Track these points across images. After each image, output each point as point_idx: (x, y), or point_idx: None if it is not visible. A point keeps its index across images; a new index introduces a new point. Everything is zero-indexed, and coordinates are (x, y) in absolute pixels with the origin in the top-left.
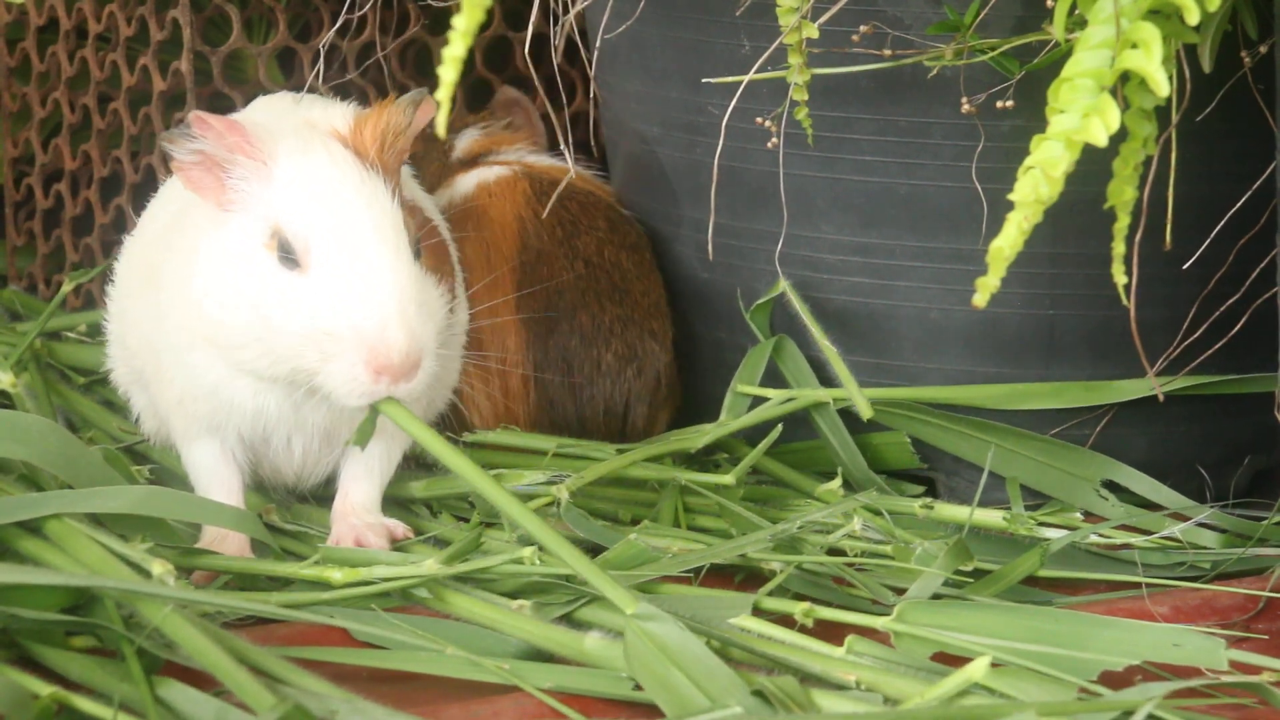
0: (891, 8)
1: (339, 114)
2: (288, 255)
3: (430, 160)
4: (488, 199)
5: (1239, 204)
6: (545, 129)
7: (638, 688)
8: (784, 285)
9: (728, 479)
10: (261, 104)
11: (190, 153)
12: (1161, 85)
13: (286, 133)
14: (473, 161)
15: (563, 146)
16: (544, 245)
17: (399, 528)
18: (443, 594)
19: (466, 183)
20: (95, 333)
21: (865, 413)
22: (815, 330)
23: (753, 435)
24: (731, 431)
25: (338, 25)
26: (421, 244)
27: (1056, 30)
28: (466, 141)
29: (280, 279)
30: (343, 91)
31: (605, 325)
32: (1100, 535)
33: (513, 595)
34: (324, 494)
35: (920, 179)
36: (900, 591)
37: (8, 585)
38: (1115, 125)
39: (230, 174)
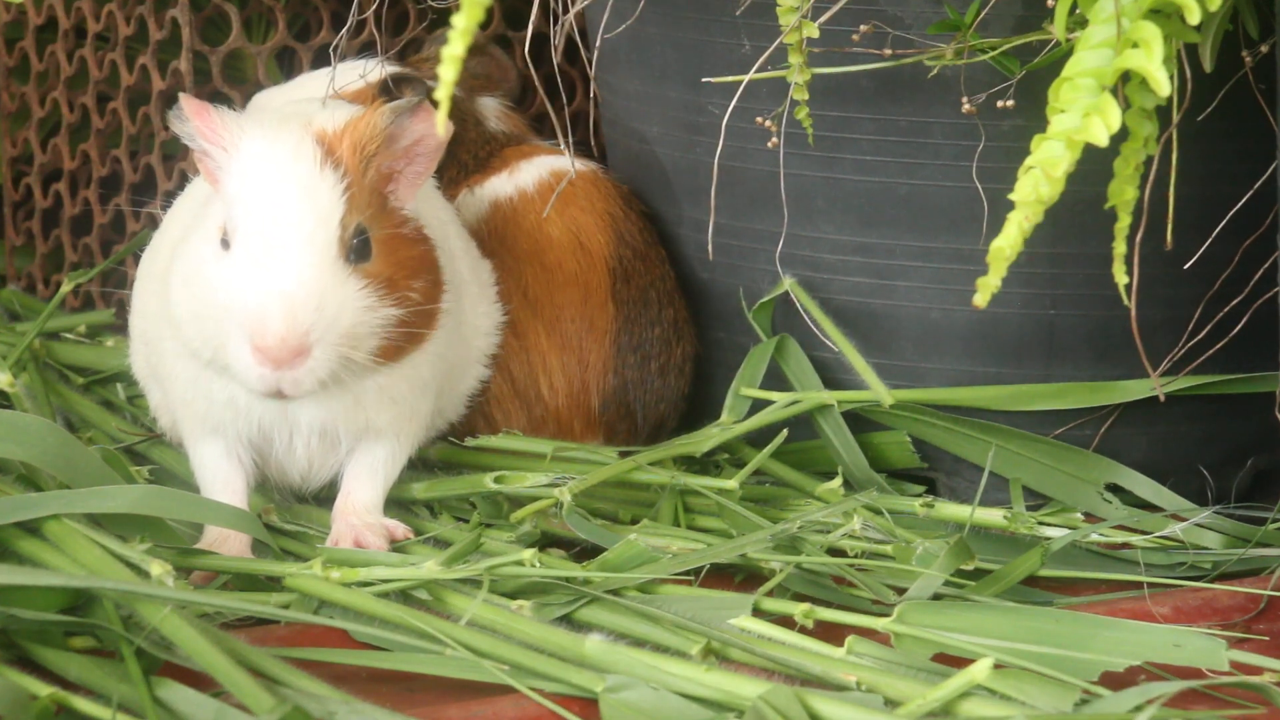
0: (892, 7)
1: (340, 115)
2: (224, 237)
3: (466, 129)
4: (570, 187)
5: (1240, 204)
6: (519, 87)
7: None
8: (788, 284)
9: (731, 484)
10: (293, 89)
11: (188, 137)
12: (1162, 85)
13: (257, 123)
14: (518, 141)
15: (563, 146)
16: (638, 244)
17: (399, 528)
18: (442, 595)
19: (534, 169)
20: (95, 333)
21: (886, 400)
22: (826, 325)
23: (754, 434)
24: (736, 435)
25: (347, 26)
26: (391, 251)
27: (1057, 30)
28: (495, 110)
29: (212, 259)
30: None
31: (685, 320)
32: (1101, 535)
33: (513, 596)
34: (328, 495)
35: (920, 179)
36: (901, 591)
37: (7, 586)
38: (1116, 125)
39: (211, 159)
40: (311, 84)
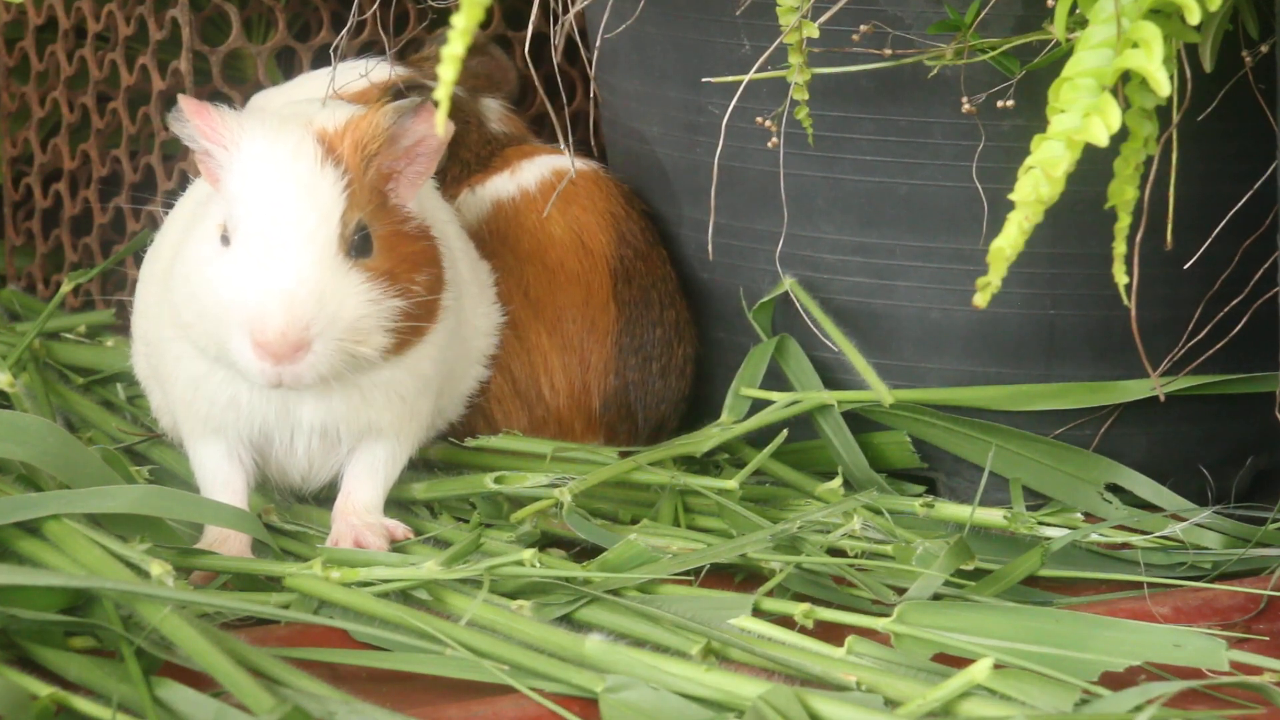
0: (892, 7)
1: (340, 115)
2: (224, 234)
3: (469, 130)
4: (572, 187)
5: (1240, 204)
6: (520, 87)
7: None
8: (788, 284)
9: (731, 484)
10: (295, 89)
11: (189, 137)
12: (1162, 85)
13: (258, 122)
14: (519, 141)
15: (563, 146)
16: (639, 244)
17: (399, 528)
18: (442, 595)
19: (536, 168)
20: (95, 333)
21: (886, 400)
22: (827, 325)
23: (754, 434)
24: (736, 435)
25: (347, 26)
26: (392, 247)
27: (1057, 30)
28: (497, 112)
29: (213, 257)
30: None
31: (686, 321)
32: (1101, 535)
33: (513, 596)
34: (328, 495)
35: (920, 179)
36: (901, 591)
37: (7, 586)
38: (1116, 125)
39: (212, 159)
40: (311, 84)
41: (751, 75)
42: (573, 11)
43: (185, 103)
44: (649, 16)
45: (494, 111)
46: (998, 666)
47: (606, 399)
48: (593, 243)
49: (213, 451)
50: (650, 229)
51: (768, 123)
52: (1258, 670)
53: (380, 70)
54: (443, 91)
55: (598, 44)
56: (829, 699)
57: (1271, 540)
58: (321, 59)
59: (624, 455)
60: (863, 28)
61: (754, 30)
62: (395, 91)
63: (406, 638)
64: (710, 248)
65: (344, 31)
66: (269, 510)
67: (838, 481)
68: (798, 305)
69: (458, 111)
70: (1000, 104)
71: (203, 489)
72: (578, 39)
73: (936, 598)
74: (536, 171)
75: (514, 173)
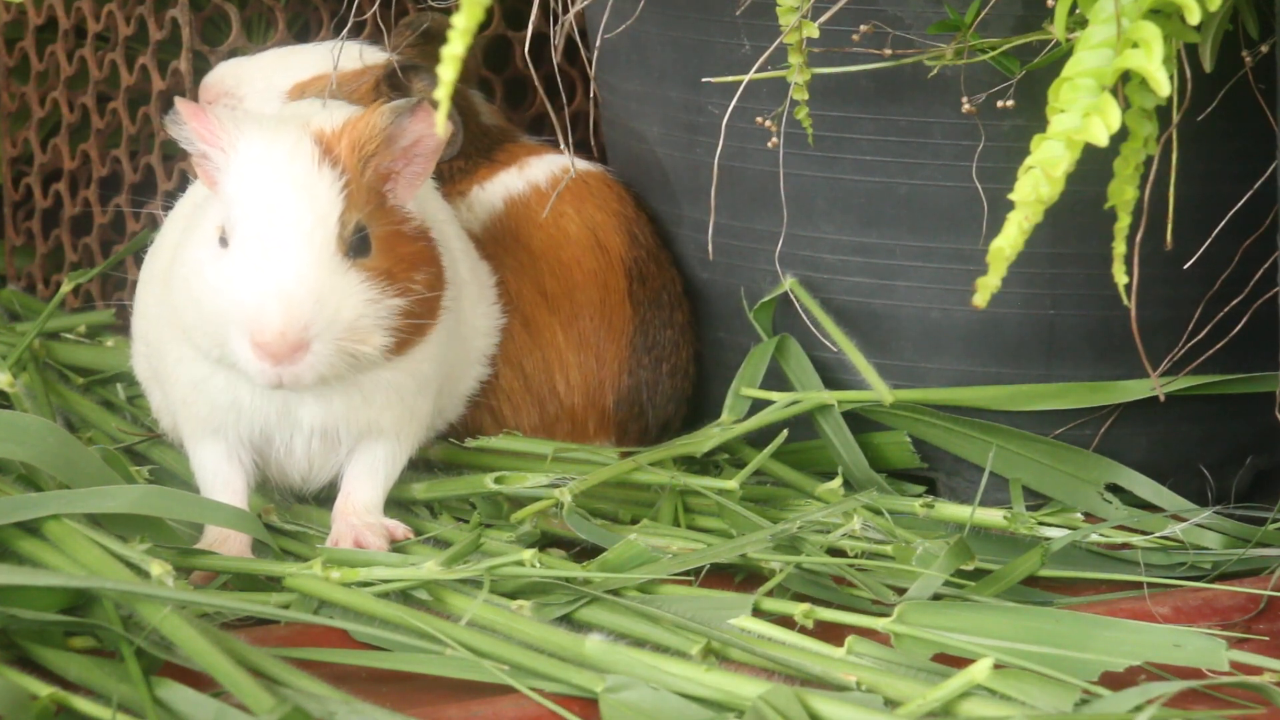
0: (892, 7)
1: (337, 116)
2: (222, 236)
3: (469, 122)
4: (585, 186)
5: (1240, 204)
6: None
7: None
8: (789, 284)
9: (731, 484)
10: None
11: (186, 140)
12: (1162, 85)
13: (255, 124)
14: (508, 135)
15: (563, 146)
16: (651, 246)
17: (399, 528)
18: (442, 595)
19: (545, 164)
20: (95, 333)
21: (886, 399)
22: (827, 325)
23: (754, 434)
24: (737, 435)
25: (347, 26)
26: (391, 247)
27: (1057, 30)
28: (485, 104)
29: (211, 258)
30: None
31: (693, 323)
32: (1101, 535)
33: (513, 596)
34: (328, 495)
35: (920, 179)
36: (901, 591)
37: (7, 586)
38: (1116, 125)
39: (209, 161)
40: (293, 58)
41: (751, 75)
42: (573, 11)
43: (182, 106)
44: (649, 16)
45: (482, 103)
46: (998, 666)
47: (620, 397)
48: (608, 242)
49: (213, 452)
50: (657, 232)
51: (768, 123)
52: (1258, 670)
53: (352, 51)
54: (443, 91)
55: (598, 44)
56: (829, 699)
57: (1271, 540)
58: None
59: (624, 455)
60: (863, 28)
61: (754, 30)
62: (390, 72)
63: (406, 638)
64: (710, 248)
65: (344, 31)
66: (269, 510)
67: (838, 481)
68: (798, 305)
69: (459, 100)
70: (1000, 104)
71: (203, 489)
72: (578, 39)
73: (936, 598)
74: (545, 168)
75: (522, 168)
